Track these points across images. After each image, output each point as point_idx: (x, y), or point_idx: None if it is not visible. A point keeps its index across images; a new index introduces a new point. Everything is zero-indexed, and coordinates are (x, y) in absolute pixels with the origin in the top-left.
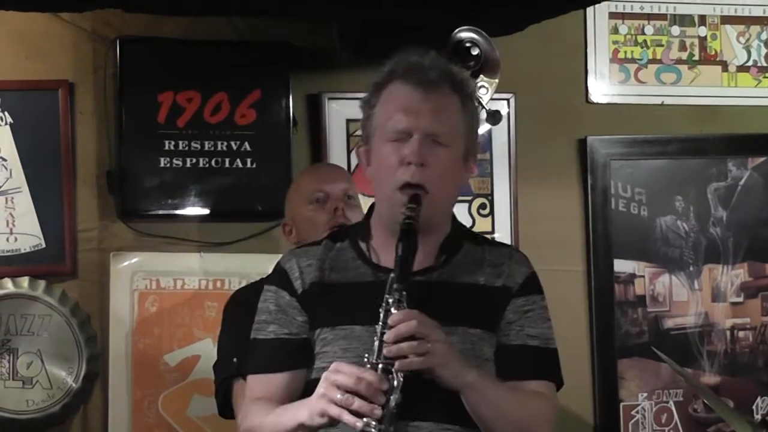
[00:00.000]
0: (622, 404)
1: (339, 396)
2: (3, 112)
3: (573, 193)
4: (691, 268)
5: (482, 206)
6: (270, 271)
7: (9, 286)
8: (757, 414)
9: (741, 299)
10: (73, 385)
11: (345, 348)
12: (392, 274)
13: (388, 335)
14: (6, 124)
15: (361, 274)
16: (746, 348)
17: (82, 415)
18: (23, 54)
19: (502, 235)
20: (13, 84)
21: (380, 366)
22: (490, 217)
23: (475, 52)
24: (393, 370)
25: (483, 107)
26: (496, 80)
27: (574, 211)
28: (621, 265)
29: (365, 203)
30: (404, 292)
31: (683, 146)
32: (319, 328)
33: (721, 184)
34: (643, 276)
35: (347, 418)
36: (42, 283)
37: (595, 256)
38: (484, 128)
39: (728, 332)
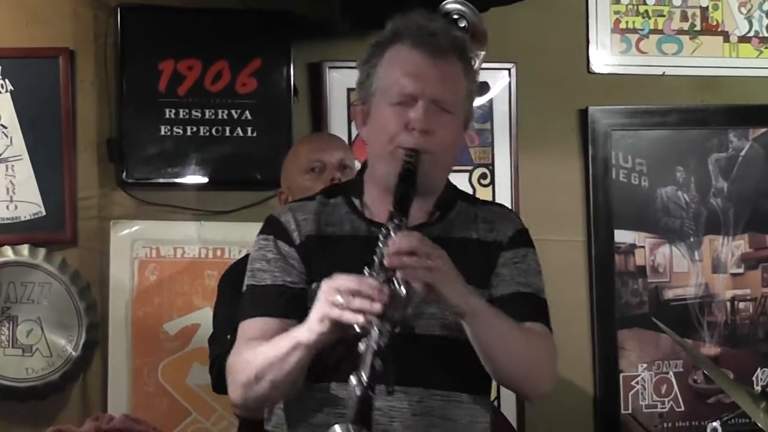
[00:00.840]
0: (622, 375)
1: (339, 298)
2: (3, 79)
3: (574, 164)
4: (691, 239)
5: (483, 176)
6: None
7: (9, 253)
8: (757, 385)
9: (741, 270)
10: (73, 353)
11: None
12: (391, 208)
13: (389, 248)
14: (6, 91)
15: (355, 228)
16: (746, 319)
17: (81, 383)
18: (24, 21)
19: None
20: (14, 51)
21: (381, 277)
22: (490, 187)
23: (462, 24)
24: (395, 279)
25: None
26: (484, 52)
27: (575, 182)
28: (621, 236)
29: None
30: (404, 219)
31: (684, 117)
32: (316, 282)
33: (722, 155)
34: (643, 246)
35: (348, 316)
36: (42, 251)
37: (595, 226)
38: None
39: (728, 303)
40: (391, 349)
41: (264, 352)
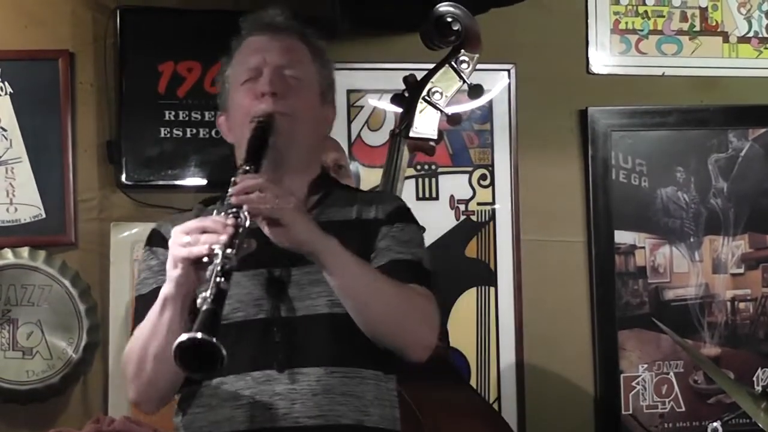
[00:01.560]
0: (622, 375)
1: (186, 238)
2: (3, 82)
3: (573, 164)
4: (691, 240)
5: (483, 177)
6: None
7: (9, 256)
8: (758, 385)
9: (741, 270)
10: (73, 355)
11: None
12: (240, 160)
13: (234, 188)
14: (6, 94)
15: None
16: (747, 319)
17: (82, 386)
18: (23, 24)
19: (503, 205)
20: (13, 54)
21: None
22: (490, 188)
23: (455, 27)
24: (240, 212)
25: (465, 81)
26: (478, 55)
27: (575, 182)
28: (621, 236)
29: (364, 173)
30: (253, 166)
31: (684, 117)
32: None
33: (721, 155)
34: (643, 247)
35: (196, 250)
36: (42, 254)
37: (595, 227)
38: (467, 104)
39: (729, 303)
40: (283, 330)
41: (139, 331)
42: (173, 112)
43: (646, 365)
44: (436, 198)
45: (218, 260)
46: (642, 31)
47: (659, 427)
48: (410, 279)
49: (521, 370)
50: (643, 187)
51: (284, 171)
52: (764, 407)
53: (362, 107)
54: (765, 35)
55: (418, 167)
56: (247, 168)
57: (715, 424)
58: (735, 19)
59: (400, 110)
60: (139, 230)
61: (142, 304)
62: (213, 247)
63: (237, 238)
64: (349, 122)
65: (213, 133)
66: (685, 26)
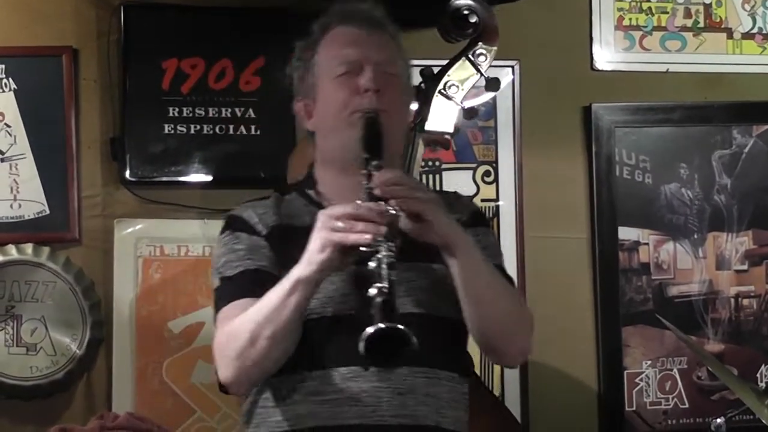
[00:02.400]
0: (626, 372)
1: (339, 223)
2: (7, 78)
3: (577, 161)
4: (695, 236)
5: (486, 173)
6: None
7: (13, 252)
8: (761, 382)
9: (745, 267)
10: (77, 351)
11: None
12: (364, 155)
13: (377, 180)
14: (10, 90)
15: (315, 218)
16: (750, 316)
17: (86, 382)
18: (26, 20)
19: (507, 202)
20: (17, 50)
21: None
22: (494, 185)
23: (473, 19)
24: (388, 208)
25: (482, 75)
26: (495, 47)
27: (579, 179)
28: (625, 233)
29: None
30: (380, 159)
31: (688, 114)
32: (286, 270)
33: (725, 151)
34: (647, 243)
35: (354, 237)
36: (46, 250)
37: (599, 223)
38: (483, 96)
39: (732, 300)
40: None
41: (256, 309)
42: (177, 109)
43: (649, 362)
44: None
45: (384, 251)
46: (646, 27)
47: (663, 423)
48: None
49: (525, 367)
50: (647, 183)
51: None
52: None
53: None
54: None
55: (422, 163)
56: (375, 162)
57: (718, 420)
58: (739, 16)
59: (415, 103)
60: (143, 227)
61: (229, 286)
62: (374, 236)
63: (394, 229)
64: None
65: (217, 129)
66: (689, 23)
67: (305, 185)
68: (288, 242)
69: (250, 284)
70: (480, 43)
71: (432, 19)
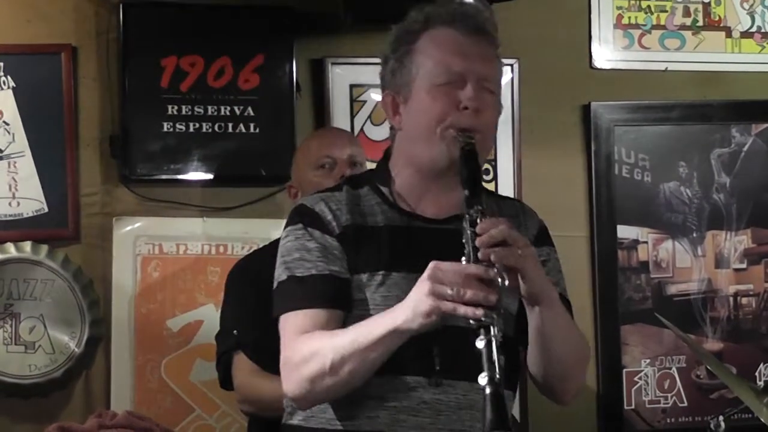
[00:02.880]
0: (625, 370)
1: (449, 291)
2: (6, 76)
3: (577, 159)
4: (694, 234)
5: (486, 171)
6: (272, 237)
7: (11, 250)
8: (760, 380)
9: (744, 265)
10: (76, 350)
11: (384, 296)
12: (465, 192)
13: (481, 239)
14: (9, 88)
15: (390, 219)
16: (749, 314)
17: (84, 380)
18: (26, 18)
19: None
20: (16, 48)
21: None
22: (493, 183)
23: None
24: (493, 270)
25: None
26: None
27: (578, 177)
28: (624, 231)
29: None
30: (481, 206)
31: (687, 112)
32: (359, 273)
33: (724, 150)
34: (646, 242)
35: (463, 310)
36: (44, 248)
37: (598, 221)
38: None
39: (731, 298)
40: (439, 340)
41: (344, 341)
42: (176, 107)
43: (648, 360)
44: None
45: (495, 333)
46: (645, 26)
47: (662, 422)
48: (571, 317)
49: (523, 365)
50: (646, 181)
51: (453, 186)
52: (767, 402)
53: (365, 102)
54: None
55: None
56: (479, 206)
57: (717, 419)
58: (738, 14)
59: None
60: (142, 225)
61: (300, 289)
62: (484, 311)
63: (500, 302)
64: (352, 117)
65: (216, 127)
66: (688, 21)
67: (379, 180)
68: (362, 244)
69: (322, 292)
70: None
71: None
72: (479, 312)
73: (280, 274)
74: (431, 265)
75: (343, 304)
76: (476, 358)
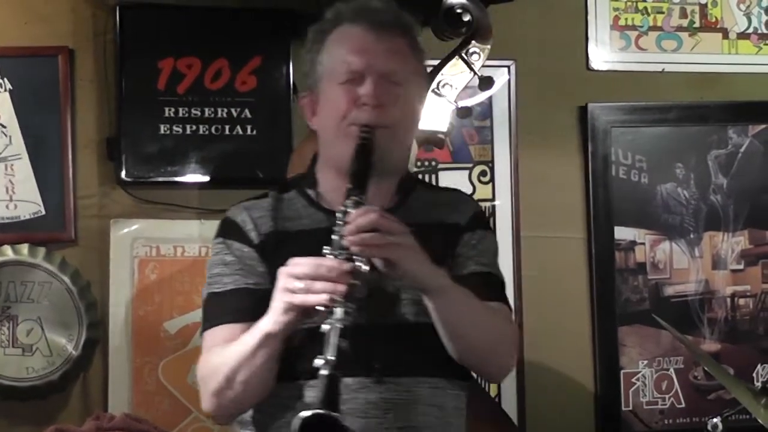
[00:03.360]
0: (622, 372)
1: (299, 284)
2: (2, 78)
3: (574, 160)
4: (691, 236)
5: (483, 173)
6: None
7: (9, 253)
8: (757, 381)
9: (741, 266)
10: (73, 352)
11: None
12: (347, 185)
13: (347, 228)
14: (5, 90)
15: (315, 221)
16: (747, 315)
17: (82, 383)
18: (23, 20)
19: (503, 202)
20: (13, 50)
21: (341, 257)
22: (490, 185)
23: (466, 18)
24: (355, 259)
25: (475, 73)
26: (488, 46)
27: (575, 179)
28: (621, 233)
29: None
30: (362, 196)
31: (684, 113)
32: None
33: (721, 151)
34: (643, 243)
35: (312, 299)
36: (42, 250)
37: (595, 223)
38: (479, 96)
39: (729, 300)
40: (376, 339)
41: (231, 352)
42: (173, 109)
43: (646, 361)
44: None
45: (338, 316)
46: (642, 27)
47: (659, 423)
48: (492, 296)
49: (521, 367)
50: (643, 183)
51: (376, 179)
52: (764, 403)
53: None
54: (764, 31)
55: (419, 164)
56: (356, 197)
57: (715, 420)
58: (734, 16)
59: None
60: (139, 227)
61: (217, 303)
62: (333, 297)
63: (354, 288)
64: None
65: (213, 129)
66: (685, 22)
67: (306, 183)
68: (284, 250)
69: (238, 307)
70: (473, 42)
71: (425, 17)
72: (323, 297)
73: (203, 292)
74: (289, 261)
75: (259, 316)
76: (417, 353)
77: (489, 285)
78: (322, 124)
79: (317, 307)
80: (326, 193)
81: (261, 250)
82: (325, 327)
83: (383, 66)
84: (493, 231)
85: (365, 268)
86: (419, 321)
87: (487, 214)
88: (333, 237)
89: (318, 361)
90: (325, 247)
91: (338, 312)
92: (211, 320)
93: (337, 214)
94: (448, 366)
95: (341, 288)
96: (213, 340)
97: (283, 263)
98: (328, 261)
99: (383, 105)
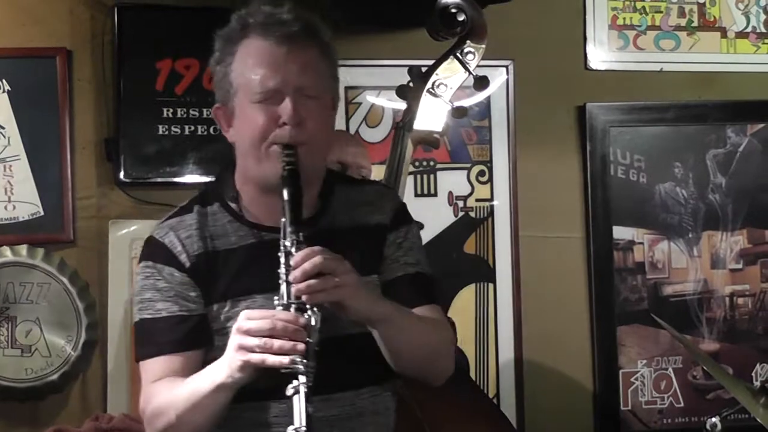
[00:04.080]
0: (621, 371)
1: (256, 342)
2: (1, 79)
3: (572, 160)
4: (690, 235)
5: (481, 173)
6: None
7: (7, 254)
8: (756, 381)
9: (740, 266)
10: (72, 353)
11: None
12: (283, 219)
13: (294, 274)
14: (4, 92)
15: (242, 237)
16: (745, 315)
17: (80, 383)
18: (21, 21)
19: (501, 202)
20: (11, 51)
21: (292, 307)
22: (489, 184)
23: (461, 17)
24: (307, 307)
25: (470, 73)
26: (483, 46)
27: (573, 178)
28: (620, 232)
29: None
30: (300, 234)
31: (682, 113)
32: (217, 303)
33: (719, 150)
34: (642, 243)
35: (272, 360)
36: (40, 251)
37: (594, 222)
38: (476, 96)
39: (727, 299)
40: (313, 355)
41: (183, 396)
42: (171, 110)
43: (644, 361)
44: (435, 194)
45: (304, 381)
46: (640, 26)
47: (658, 422)
48: (425, 297)
49: (520, 366)
50: (642, 182)
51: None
52: (763, 402)
53: (360, 104)
54: (763, 30)
55: (417, 163)
56: (295, 237)
57: (713, 419)
58: (733, 15)
59: (403, 103)
60: (138, 228)
61: (152, 331)
62: (291, 357)
63: (310, 345)
64: (348, 119)
65: (211, 130)
66: (683, 22)
67: (227, 196)
68: (216, 271)
69: (174, 338)
70: (468, 41)
71: (420, 17)
72: (285, 360)
73: (135, 314)
74: (241, 314)
75: (198, 344)
76: (356, 365)
77: (419, 287)
78: (240, 140)
79: (281, 370)
80: (249, 207)
81: (192, 273)
82: (289, 392)
83: (298, 82)
84: (415, 222)
85: (315, 318)
86: (354, 332)
87: (485, 214)
88: (279, 283)
89: (289, 429)
90: (275, 297)
91: (301, 375)
92: (147, 350)
93: (279, 255)
94: (380, 373)
95: (301, 347)
96: (154, 373)
97: (217, 285)
98: (282, 314)
99: (302, 122)
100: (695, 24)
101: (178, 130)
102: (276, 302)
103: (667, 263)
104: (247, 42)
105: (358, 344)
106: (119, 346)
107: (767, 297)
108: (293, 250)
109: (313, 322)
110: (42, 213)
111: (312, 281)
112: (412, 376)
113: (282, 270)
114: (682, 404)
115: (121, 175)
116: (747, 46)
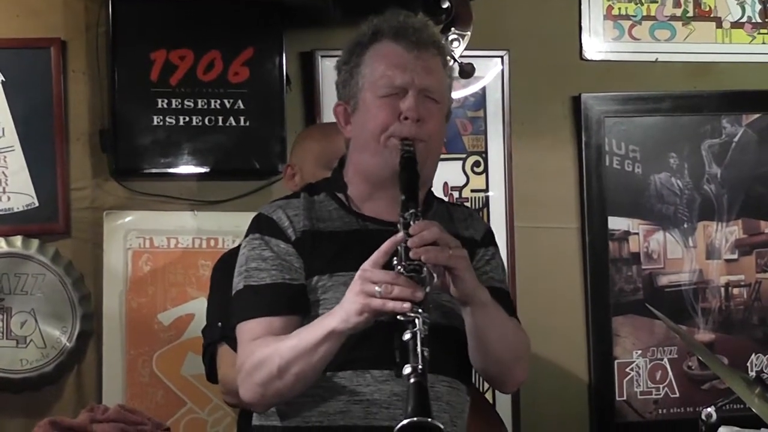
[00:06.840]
0: (616, 362)
1: (378, 288)
2: None
3: (567, 151)
4: (685, 225)
5: (476, 164)
6: None
7: (2, 245)
8: (751, 371)
9: (735, 256)
10: (67, 344)
11: (339, 297)
12: (402, 196)
13: (413, 240)
14: None
15: (346, 223)
16: (740, 305)
17: (76, 374)
18: (15, 12)
19: (496, 192)
20: (5, 42)
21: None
22: (484, 175)
23: (445, 5)
24: (423, 268)
25: (456, 61)
26: (469, 33)
27: (569, 169)
28: (615, 223)
29: None
30: (418, 208)
31: (677, 103)
32: (317, 276)
33: (715, 140)
34: (637, 233)
35: (392, 305)
36: (35, 242)
37: (589, 213)
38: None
39: (723, 289)
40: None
41: (288, 345)
42: (166, 100)
43: (640, 351)
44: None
45: (420, 326)
46: (635, 16)
47: (653, 413)
48: (509, 312)
49: None
50: (637, 173)
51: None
52: (758, 392)
53: None
54: (758, 20)
55: None
56: (414, 210)
57: (709, 409)
58: (728, 5)
59: None
60: (132, 218)
61: (254, 297)
62: (412, 305)
63: (427, 297)
64: None
65: (206, 120)
66: (678, 12)
67: (335, 187)
68: (319, 248)
69: (277, 300)
70: (453, 29)
71: (404, 4)
72: (406, 306)
73: (237, 284)
74: (363, 265)
75: (297, 310)
76: (440, 353)
77: (504, 300)
78: (359, 135)
79: (399, 316)
80: (356, 198)
81: (297, 246)
82: (406, 336)
83: (423, 82)
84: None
85: (432, 281)
86: (444, 324)
87: (480, 205)
88: (399, 248)
89: (406, 370)
90: (394, 258)
91: (419, 321)
92: (247, 312)
93: (399, 225)
94: (463, 369)
95: (420, 295)
96: (252, 332)
97: (319, 261)
98: (404, 277)
99: (423, 120)
100: (690, 14)
101: (173, 121)
102: (395, 262)
103: (663, 254)
104: (378, 45)
105: (443, 336)
106: (114, 337)
107: (762, 287)
108: (412, 221)
109: (432, 280)
110: (37, 204)
111: (430, 247)
112: (492, 374)
113: (401, 235)
114: (677, 394)
115: (116, 165)
116: (742, 36)
